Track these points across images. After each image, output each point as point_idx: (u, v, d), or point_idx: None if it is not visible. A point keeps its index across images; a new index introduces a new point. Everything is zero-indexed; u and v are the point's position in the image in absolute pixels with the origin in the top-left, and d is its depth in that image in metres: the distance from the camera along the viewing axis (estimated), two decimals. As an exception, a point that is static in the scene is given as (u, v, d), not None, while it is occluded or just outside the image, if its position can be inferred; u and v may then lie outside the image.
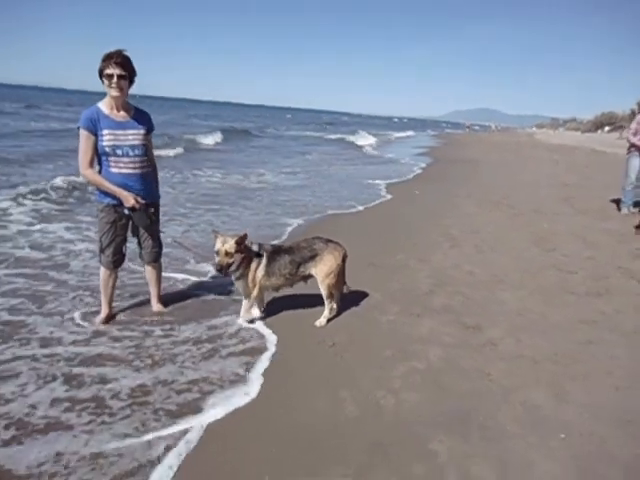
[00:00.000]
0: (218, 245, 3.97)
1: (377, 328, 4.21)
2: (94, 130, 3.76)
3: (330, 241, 4.44)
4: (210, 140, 24.06)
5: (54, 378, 3.36)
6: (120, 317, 4.33)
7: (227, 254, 3.95)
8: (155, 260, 4.37)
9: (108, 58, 3.69)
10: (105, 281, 4.19)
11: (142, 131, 3.96)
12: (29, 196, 8.55)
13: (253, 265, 4.16)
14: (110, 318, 4.23)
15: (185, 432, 2.83)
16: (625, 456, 2.67)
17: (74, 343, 3.83)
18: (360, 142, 32.64)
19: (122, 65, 3.72)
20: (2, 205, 7.82)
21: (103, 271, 4.17)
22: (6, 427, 2.82)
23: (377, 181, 13.35)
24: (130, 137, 3.87)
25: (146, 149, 4.00)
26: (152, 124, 4.12)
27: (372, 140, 35.80)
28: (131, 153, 3.87)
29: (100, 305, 4.30)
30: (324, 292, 4.31)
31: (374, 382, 3.35)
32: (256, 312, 4.38)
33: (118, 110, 3.87)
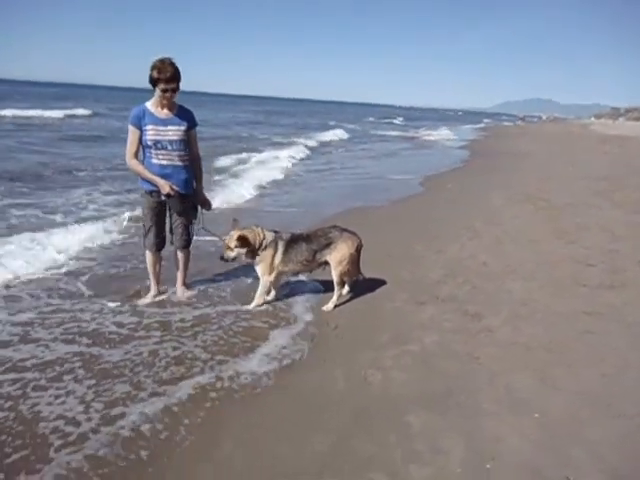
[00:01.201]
0: (225, 238, 4.44)
1: (381, 314, 4.41)
2: (139, 126, 4.19)
3: (346, 230, 4.65)
4: (333, 136, 26.83)
5: (110, 312, 4.27)
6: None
7: (228, 248, 4.40)
8: (184, 247, 4.67)
9: (162, 71, 4.03)
10: (151, 264, 4.60)
11: (183, 127, 4.29)
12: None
13: (270, 252, 4.46)
14: (158, 296, 4.65)
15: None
16: (598, 439, 2.75)
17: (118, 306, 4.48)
18: (439, 136, 33.34)
19: (174, 79, 4.10)
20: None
21: (148, 254, 4.58)
22: (87, 337, 3.80)
23: (416, 175, 13.24)
24: (170, 133, 4.23)
25: (185, 144, 4.33)
26: (195, 121, 4.44)
27: (451, 134, 36.02)
28: (169, 147, 4.24)
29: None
30: (335, 278, 4.55)
31: (367, 362, 3.56)
32: (271, 295, 4.68)
33: (162, 108, 4.25)
